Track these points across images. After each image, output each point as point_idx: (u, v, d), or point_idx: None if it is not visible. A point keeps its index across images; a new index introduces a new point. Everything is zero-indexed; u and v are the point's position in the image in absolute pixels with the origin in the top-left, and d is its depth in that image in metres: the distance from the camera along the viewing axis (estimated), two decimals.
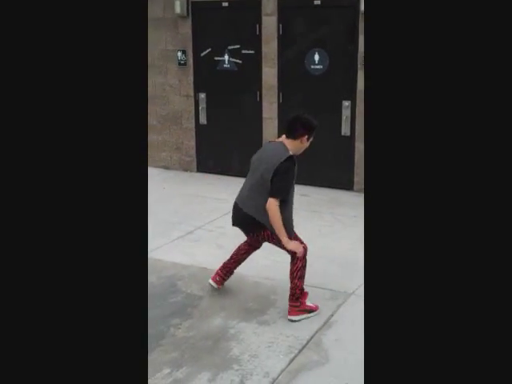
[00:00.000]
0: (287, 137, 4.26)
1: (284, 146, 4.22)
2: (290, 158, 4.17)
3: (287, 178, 4.16)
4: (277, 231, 4.18)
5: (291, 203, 4.33)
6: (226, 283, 4.82)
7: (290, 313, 4.40)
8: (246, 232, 4.51)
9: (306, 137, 4.23)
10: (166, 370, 3.78)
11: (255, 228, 4.33)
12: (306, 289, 4.50)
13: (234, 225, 4.49)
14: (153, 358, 3.91)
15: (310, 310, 4.44)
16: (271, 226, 4.18)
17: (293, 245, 4.26)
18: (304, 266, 4.40)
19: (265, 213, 4.17)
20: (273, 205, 4.11)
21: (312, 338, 4.14)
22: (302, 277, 4.40)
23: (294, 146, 4.23)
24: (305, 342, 4.09)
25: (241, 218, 4.38)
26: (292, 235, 4.34)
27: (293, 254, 4.35)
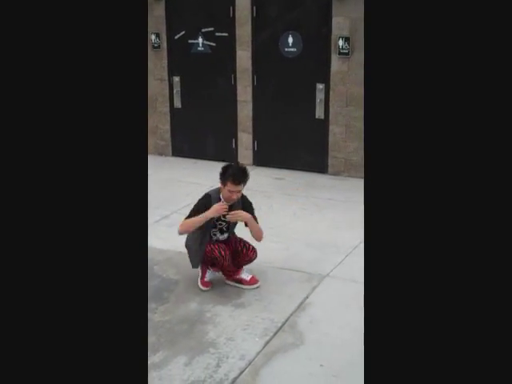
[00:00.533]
0: None
1: (218, 189, 4.58)
2: (205, 193, 4.60)
3: (194, 205, 4.55)
4: (199, 223, 4.45)
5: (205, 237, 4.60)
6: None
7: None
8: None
9: (221, 182, 4.49)
10: None
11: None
12: (282, 272, 4.56)
13: None
14: None
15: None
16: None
17: (210, 212, 4.41)
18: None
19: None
20: (180, 225, 4.55)
21: (287, 320, 4.19)
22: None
23: (222, 190, 4.52)
24: (280, 324, 4.14)
25: None
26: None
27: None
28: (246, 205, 4.58)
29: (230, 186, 4.37)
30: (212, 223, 4.54)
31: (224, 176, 4.42)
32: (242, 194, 4.55)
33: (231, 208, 4.46)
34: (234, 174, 4.38)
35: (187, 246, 4.67)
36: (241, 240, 4.70)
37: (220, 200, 4.45)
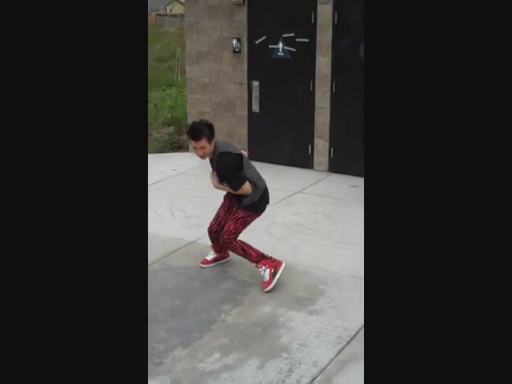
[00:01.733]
0: None
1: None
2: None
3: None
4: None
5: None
6: None
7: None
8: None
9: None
10: (217, 355, 3.86)
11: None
12: (356, 280, 4.49)
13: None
14: (204, 342, 4.00)
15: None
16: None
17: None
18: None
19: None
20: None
21: (361, 329, 4.15)
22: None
23: None
24: (354, 333, 4.11)
25: None
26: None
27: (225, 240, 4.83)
28: (218, 164, 4.71)
29: (191, 144, 4.71)
30: None
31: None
32: (219, 153, 4.67)
33: (212, 163, 4.78)
34: (188, 132, 4.70)
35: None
36: (228, 219, 4.87)
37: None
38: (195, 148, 4.63)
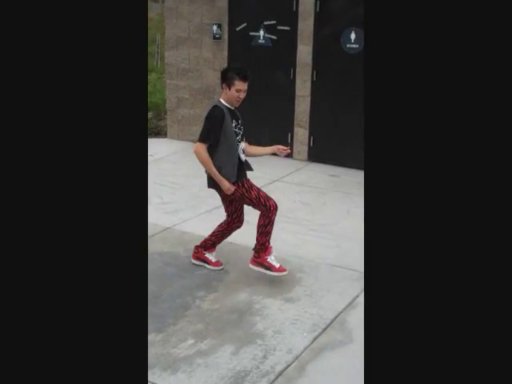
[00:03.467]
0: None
1: (218, 99, 4.51)
2: (215, 107, 4.43)
3: (210, 122, 4.40)
4: (209, 171, 4.45)
5: (234, 149, 4.47)
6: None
7: (250, 261, 4.62)
8: (212, 187, 4.63)
9: (224, 85, 4.42)
10: (191, 341, 3.81)
11: (212, 183, 4.55)
12: (334, 269, 4.49)
13: (211, 187, 4.64)
14: (178, 327, 3.95)
15: (268, 267, 4.52)
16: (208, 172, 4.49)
17: (225, 183, 4.41)
18: (268, 224, 4.48)
19: (216, 161, 4.43)
20: (198, 148, 4.42)
21: (336, 317, 4.14)
22: (264, 233, 4.50)
23: (223, 97, 4.48)
24: (329, 321, 4.09)
25: (207, 176, 4.60)
26: (234, 179, 4.45)
27: (262, 208, 4.47)
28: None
29: (238, 85, 4.37)
30: (234, 133, 4.49)
31: (228, 77, 4.38)
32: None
33: (235, 115, 4.51)
34: (240, 70, 4.40)
35: (220, 162, 4.44)
36: (239, 205, 4.69)
37: (228, 109, 4.43)
38: (241, 91, 4.39)
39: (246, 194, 4.47)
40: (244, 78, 4.36)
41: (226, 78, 4.38)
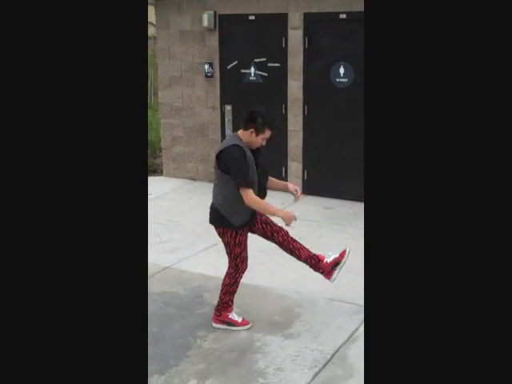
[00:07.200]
0: (241, 127, 4.34)
1: (237, 136, 4.31)
2: (234, 145, 4.23)
3: (236, 163, 4.18)
4: (267, 212, 4.35)
5: (255, 189, 4.29)
6: (252, 296, 4.88)
7: (212, 319, 4.60)
8: (211, 222, 4.48)
9: (252, 130, 4.24)
10: (193, 382, 3.85)
11: (216, 220, 4.39)
12: (332, 303, 4.53)
13: (210, 222, 4.50)
14: (180, 368, 3.99)
15: (231, 323, 4.52)
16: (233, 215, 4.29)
17: (282, 213, 4.32)
18: (233, 285, 4.48)
19: (228, 204, 4.27)
20: (248, 198, 4.19)
21: (337, 352, 4.18)
22: (228, 292, 4.49)
23: (246, 137, 4.28)
24: (329, 356, 4.13)
25: (211, 210, 4.45)
26: (237, 227, 4.33)
27: (233, 266, 4.44)
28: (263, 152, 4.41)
29: (267, 134, 4.28)
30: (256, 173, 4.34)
31: (258, 123, 4.21)
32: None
33: (257, 156, 4.34)
34: (272, 122, 4.29)
35: (229, 203, 4.29)
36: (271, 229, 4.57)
37: (247, 148, 4.26)
38: (265, 139, 4.31)
39: (230, 245, 4.39)
40: (272, 128, 4.31)
41: (256, 124, 4.22)
